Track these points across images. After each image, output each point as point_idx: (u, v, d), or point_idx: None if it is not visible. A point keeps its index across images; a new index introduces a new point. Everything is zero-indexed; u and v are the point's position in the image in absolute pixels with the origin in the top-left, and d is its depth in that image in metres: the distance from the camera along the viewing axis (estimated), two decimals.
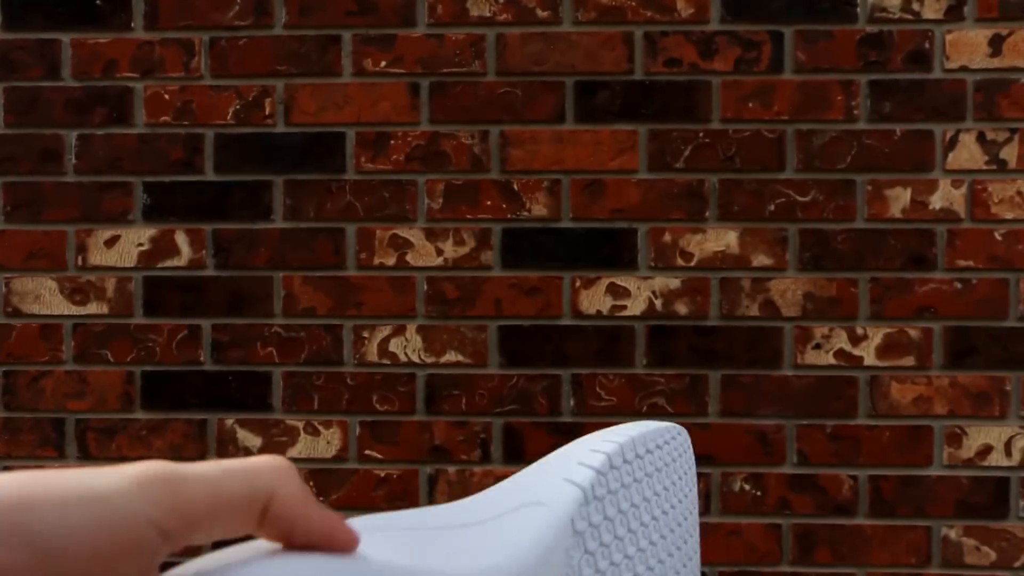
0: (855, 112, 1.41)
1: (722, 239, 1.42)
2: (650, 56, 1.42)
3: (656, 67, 1.42)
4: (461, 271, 1.44)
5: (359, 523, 0.30)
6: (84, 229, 1.47)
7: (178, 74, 1.46)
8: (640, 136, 1.43)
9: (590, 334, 1.43)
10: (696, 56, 1.42)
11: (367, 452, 1.45)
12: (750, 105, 1.42)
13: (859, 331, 1.41)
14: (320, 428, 1.45)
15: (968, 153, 1.40)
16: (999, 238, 1.40)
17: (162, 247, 1.46)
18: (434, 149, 1.44)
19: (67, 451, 1.47)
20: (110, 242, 1.46)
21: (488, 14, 1.43)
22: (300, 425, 1.45)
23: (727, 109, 1.42)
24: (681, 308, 1.42)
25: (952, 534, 1.41)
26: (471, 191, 1.44)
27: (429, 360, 1.44)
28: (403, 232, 1.45)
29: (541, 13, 1.43)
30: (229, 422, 1.46)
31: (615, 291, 1.43)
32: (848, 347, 1.41)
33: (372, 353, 1.44)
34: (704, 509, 1.41)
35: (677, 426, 0.40)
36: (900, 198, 1.41)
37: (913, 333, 1.41)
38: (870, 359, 1.41)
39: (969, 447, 1.41)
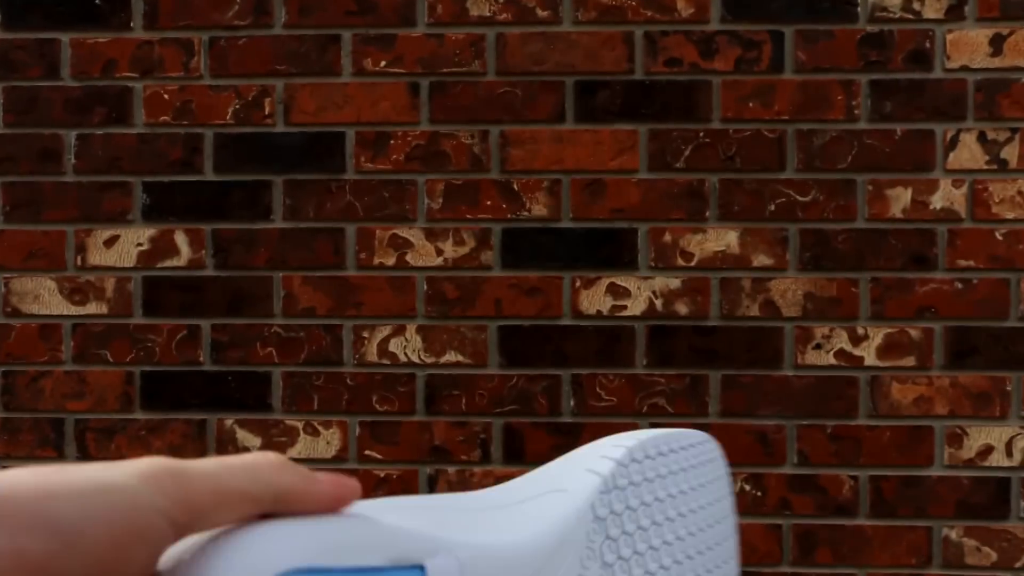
0: (856, 112, 1.41)
1: (722, 239, 1.42)
2: (650, 56, 1.42)
3: (656, 67, 1.42)
4: (461, 271, 1.44)
5: (379, 503, 0.30)
6: (83, 229, 1.47)
7: (177, 74, 1.46)
8: (640, 136, 1.42)
9: (590, 334, 1.43)
10: (696, 56, 1.42)
11: (367, 452, 1.45)
12: (750, 105, 1.42)
13: (860, 331, 1.41)
14: (320, 428, 1.45)
15: (969, 153, 1.40)
16: (1000, 238, 1.40)
17: (161, 247, 1.46)
18: (434, 149, 1.44)
19: (66, 451, 1.47)
20: (109, 242, 1.46)
21: (488, 14, 1.43)
22: (300, 425, 1.45)
23: (727, 109, 1.42)
24: (681, 308, 1.42)
25: (953, 534, 1.41)
26: (471, 191, 1.44)
27: (429, 360, 1.44)
28: (403, 232, 1.44)
29: (541, 13, 1.43)
30: (229, 422, 1.46)
31: (615, 291, 1.43)
32: (849, 347, 1.41)
33: (372, 353, 1.44)
34: None
35: (705, 434, 0.41)
36: (901, 198, 1.41)
37: (914, 333, 1.41)
38: (871, 359, 1.41)
39: (970, 447, 1.40)
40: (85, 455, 1.47)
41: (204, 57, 1.45)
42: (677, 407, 1.42)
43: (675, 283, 1.42)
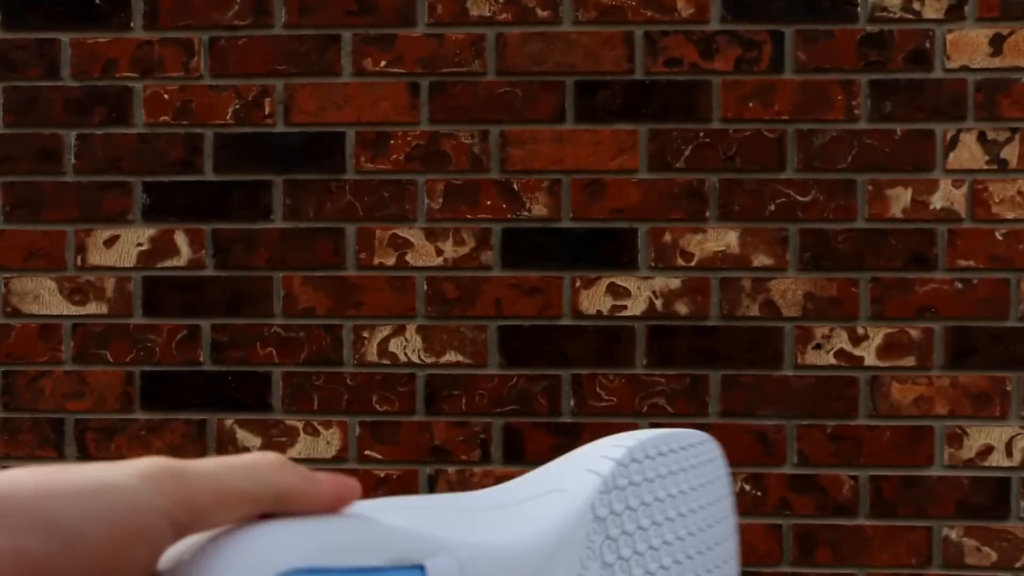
0: (856, 112, 1.41)
1: (722, 239, 1.42)
2: (650, 56, 1.42)
3: (656, 67, 1.42)
4: (461, 271, 1.44)
5: (379, 503, 0.30)
6: (83, 229, 1.47)
7: (177, 74, 1.46)
8: (640, 136, 1.42)
9: (590, 334, 1.43)
10: (696, 56, 1.42)
11: (367, 452, 1.45)
12: (750, 105, 1.42)
13: (860, 331, 1.41)
14: (320, 428, 1.45)
15: (969, 153, 1.40)
16: (1000, 238, 1.40)
17: (161, 247, 1.46)
18: (434, 149, 1.44)
19: (66, 451, 1.47)
20: (109, 242, 1.46)
21: (488, 14, 1.43)
22: (300, 425, 1.45)
23: (727, 109, 1.42)
24: (681, 308, 1.42)
25: (953, 535, 1.41)
26: (471, 191, 1.44)
27: (429, 360, 1.44)
28: (403, 232, 1.44)
29: (541, 13, 1.43)
30: (228, 422, 1.46)
31: (615, 291, 1.43)
32: (849, 347, 1.41)
33: (372, 353, 1.44)
34: None
35: (705, 434, 0.41)
36: (901, 198, 1.41)
37: (914, 333, 1.41)
38: (871, 359, 1.41)
39: (970, 447, 1.40)
40: (85, 455, 1.47)
41: (204, 57, 1.45)
42: (677, 407, 1.42)
43: (675, 283, 1.42)
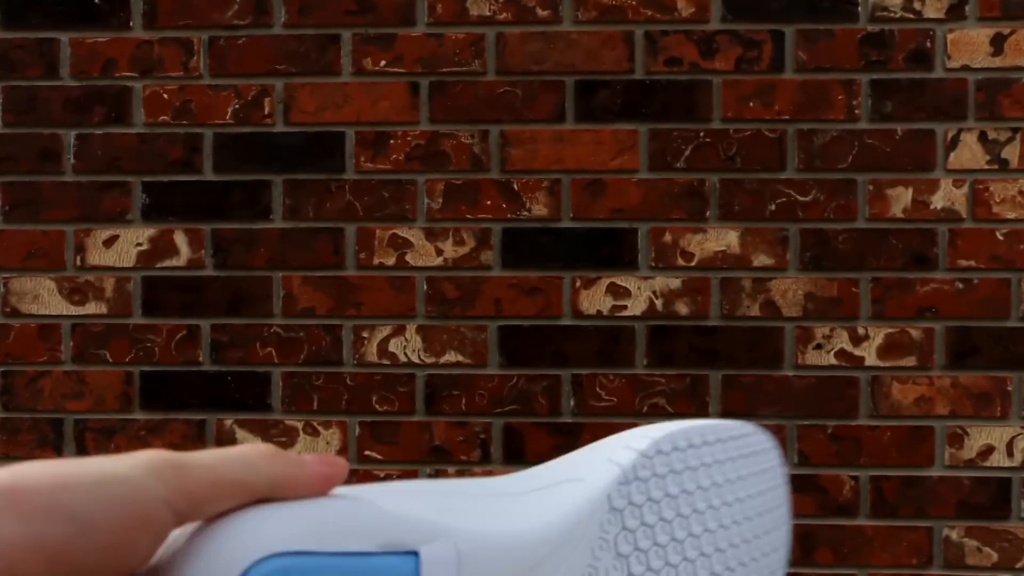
0: (856, 112, 1.41)
1: (723, 239, 1.42)
2: (651, 55, 1.42)
3: (657, 66, 1.42)
4: (461, 271, 1.44)
5: (379, 487, 0.30)
6: (83, 229, 1.46)
7: (177, 73, 1.45)
8: (640, 136, 1.42)
9: (590, 334, 1.43)
10: (697, 55, 1.42)
11: (367, 452, 1.44)
12: (751, 104, 1.41)
13: (860, 331, 1.41)
14: (319, 428, 1.45)
15: (970, 153, 1.40)
16: (1001, 238, 1.40)
17: (161, 247, 1.46)
18: (434, 149, 1.44)
19: (65, 451, 1.47)
20: (109, 242, 1.46)
21: (488, 13, 1.43)
22: (299, 425, 1.45)
23: (728, 109, 1.41)
24: (682, 308, 1.42)
25: (953, 535, 1.41)
26: (471, 191, 1.43)
27: (429, 360, 1.44)
28: (403, 232, 1.44)
29: (541, 12, 1.42)
30: (228, 422, 1.45)
31: (615, 291, 1.42)
32: (849, 347, 1.41)
33: (372, 353, 1.44)
34: None
35: (754, 426, 0.39)
36: (901, 198, 1.41)
37: (914, 333, 1.41)
38: (871, 359, 1.41)
39: (970, 448, 1.40)
40: (84, 455, 1.47)
41: (204, 57, 1.45)
42: (677, 407, 1.42)
43: (675, 283, 1.42)
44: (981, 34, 1.40)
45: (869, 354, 1.41)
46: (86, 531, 0.21)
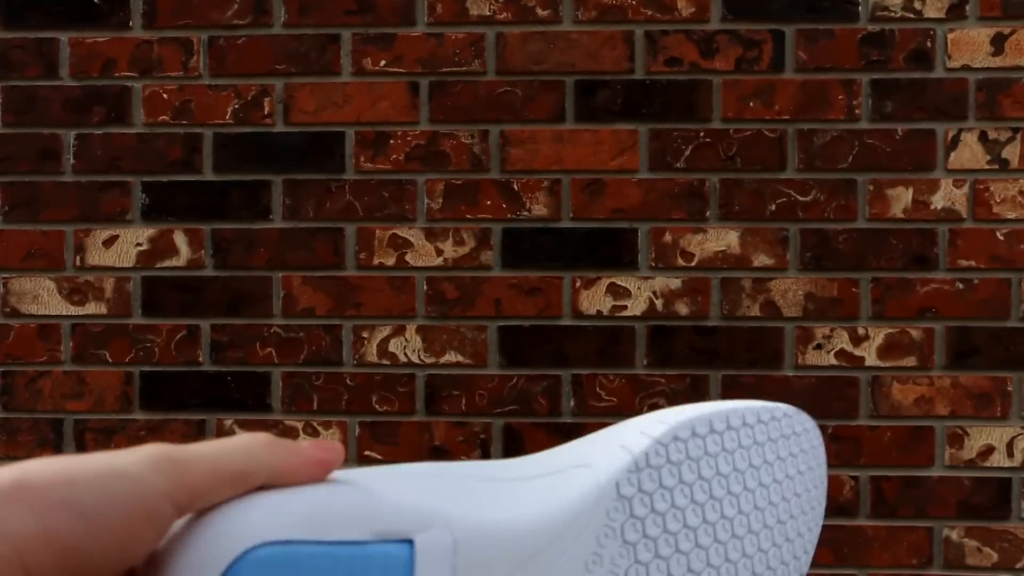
0: (856, 111, 1.40)
1: (723, 239, 1.42)
2: (651, 55, 1.42)
3: (657, 66, 1.42)
4: (461, 271, 1.44)
5: (377, 471, 0.29)
6: (82, 229, 1.46)
7: (177, 73, 1.45)
8: (640, 136, 1.42)
9: (590, 334, 1.43)
10: (697, 55, 1.42)
11: (367, 453, 1.44)
12: (751, 104, 1.41)
13: (860, 331, 1.41)
14: (319, 429, 1.45)
15: (970, 153, 1.40)
16: (1001, 238, 1.40)
17: (161, 247, 1.46)
18: (434, 149, 1.44)
19: (65, 452, 1.47)
20: (108, 242, 1.46)
21: (488, 13, 1.43)
22: (299, 426, 1.45)
23: (728, 108, 1.41)
24: (682, 308, 1.42)
25: (954, 535, 1.41)
26: (471, 191, 1.43)
27: (429, 360, 1.44)
28: (403, 232, 1.44)
29: (541, 12, 1.42)
30: (228, 423, 1.45)
31: (615, 291, 1.42)
32: (849, 347, 1.41)
33: (372, 353, 1.44)
34: None
35: (792, 408, 0.37)
36: (902, 198, 1.41)
37: (915, 333, 1.41)
38: (871, 359, 1.41)
39: (971, 448, 1.40)
40: None
41: (203, 57, 1.45)
42: None
43: (675, 283, 1.42)
44: (981, 34, 1.39)
45: (869, 354, 1.41)
46: (94, 526, 0.22)
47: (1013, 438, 1.40)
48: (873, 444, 1.41)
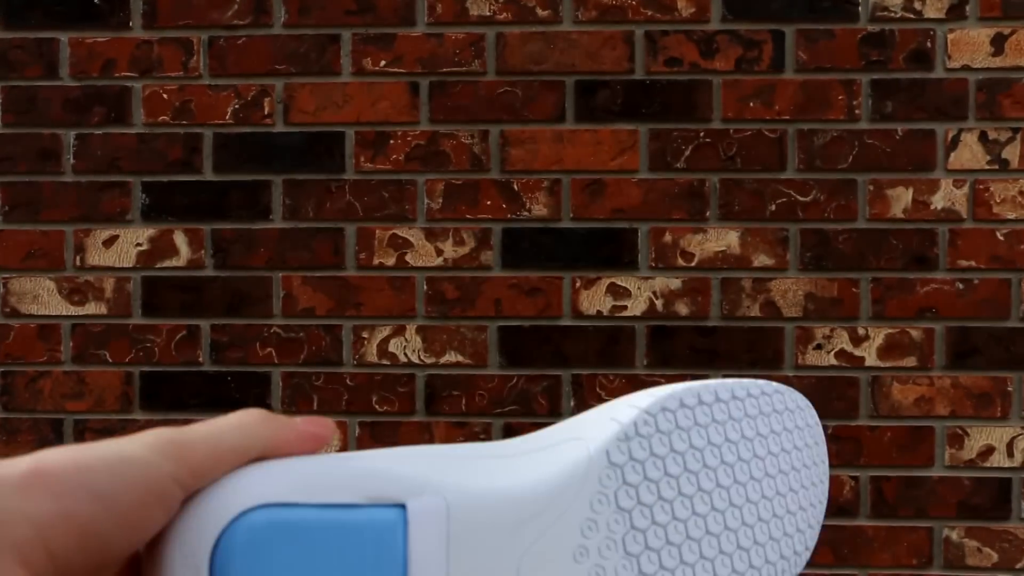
0: (856, 112, 1.40)
1: (723, 239, 1.42)
2: (651, 55, 1.42)
3: (657, 66, 1.42)
4: (461, 271, 1.44)
5: (373, 452, 0.30)
6: (82, 229, 1.46)
7: (177, 73, 1.45)
8: (640, 136, 1.42)
9: (590, 334, 1.43)
10: (697, 55, 1.42)
11: None
12: (751, 105, 1.41)
13: (860, 331, 1.41)
14: None
15: (970, 153, 1.40)
16: (1001, 238, 1.40)
17: (161, 247, 1.46)
18: (434, 149, 1.44)
19: None
20: (108, 242, 1.46)
21: (488, 13, 1.43)
22: None
23: (728, 109, 1.41)
24: (682, 308, 1.42)
25: (954, 535, 1.41)
26: (471, 191, 1.43)
27: (429, 360, 1.44)
28: (403, 232, 1.44)
29: (541, 12, 1.42)
30: None
31: (615, 291, 1.42)
32: (849, 347, 1.41)
33: (372, 353, 1.44)
34: None
35: (783, 386, 0.39)
36: (902, 198, 1.41)
37: (915, 333, 1.41)
38: (871, 359, 1.41)
39: (971, 448, 1.40)
40: None
41: (203, 57, 1.45)
42: None
43: (675, 283, 1.42)
44: (981, 34, 1.39)
45: (869, 354, 1.41)
46: (110, 508, 0.23)
47: (1013, 438, 1.40)
48: (873, 444, 1.41)
